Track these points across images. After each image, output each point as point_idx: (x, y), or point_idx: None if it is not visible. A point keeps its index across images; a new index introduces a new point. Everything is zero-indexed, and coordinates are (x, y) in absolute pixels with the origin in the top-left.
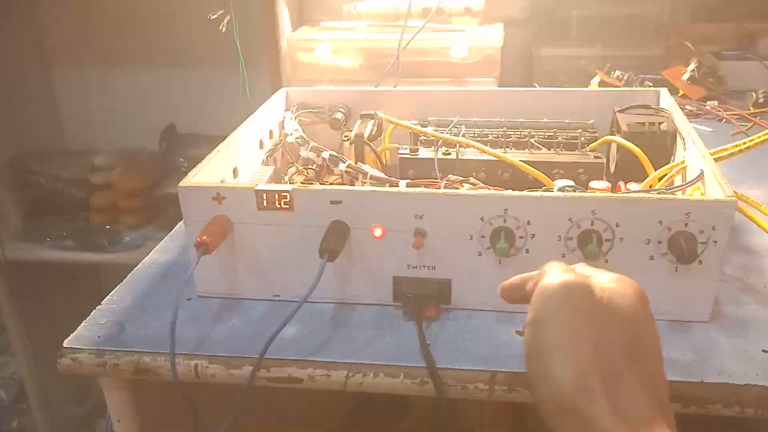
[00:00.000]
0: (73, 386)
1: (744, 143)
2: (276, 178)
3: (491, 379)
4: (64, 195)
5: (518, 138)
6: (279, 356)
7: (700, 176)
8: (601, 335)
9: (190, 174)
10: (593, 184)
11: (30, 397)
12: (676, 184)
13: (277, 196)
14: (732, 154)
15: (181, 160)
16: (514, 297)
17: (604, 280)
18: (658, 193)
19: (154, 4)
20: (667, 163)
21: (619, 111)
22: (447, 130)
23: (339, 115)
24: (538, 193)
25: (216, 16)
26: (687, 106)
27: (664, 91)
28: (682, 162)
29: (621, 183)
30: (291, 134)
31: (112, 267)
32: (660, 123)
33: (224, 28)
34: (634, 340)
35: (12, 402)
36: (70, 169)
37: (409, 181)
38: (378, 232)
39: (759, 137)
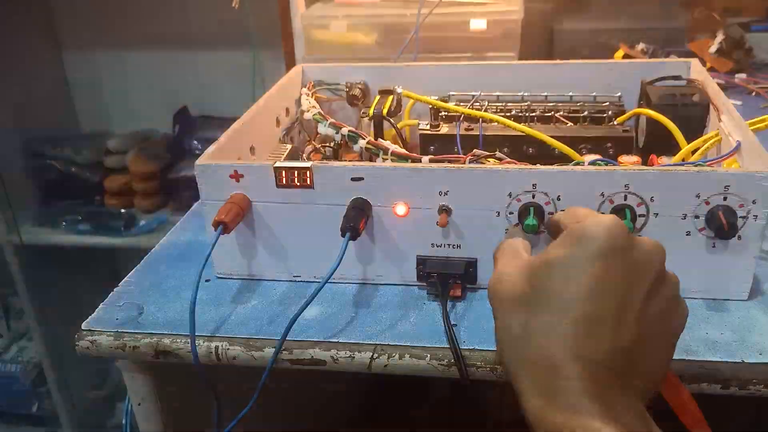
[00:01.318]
0: (92, 370)
1: None
2: (293, 155)
3: None
4: (79, 179)
5: (542, 112)
6: (301, 338)
7: (738, 148)
8: (633, 295)
9: (207, 151)
10: (623, 158)
11: (49, 381)
12: (709, 158)
13: (296, 173)
14: None
15: (195, 142)
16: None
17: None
18: (695, 166)
19: None
20: (700, 136)
21: (648, 83)
22: (469, 105)
23: (357, 92)
24: (569, 167)
25: None
26: (715, 80)
27: (695, 62)
28: (716, 134)
29: (653, 157)
30: (308, 111)
31: (127, 250)
32: (692, 94)
33: (237, 5)
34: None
35: (31, 386)
36: (84, 153)
37: (432, 157)
38: (401, 210)
39: None
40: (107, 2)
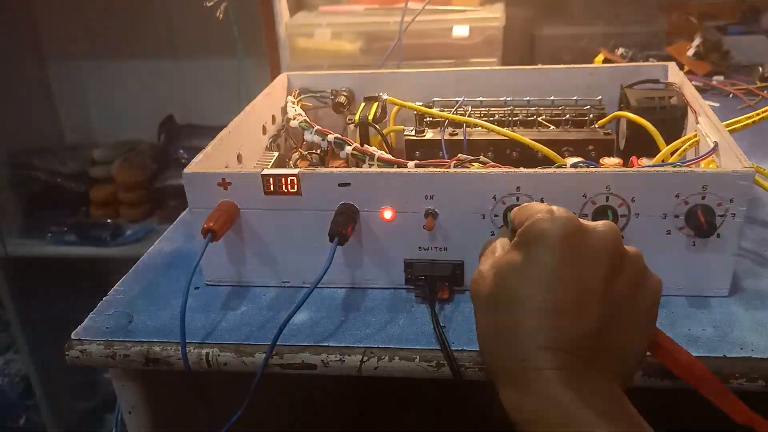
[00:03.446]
0: (81, 382)
1: (758, 113)
2: (280, 163)
3: None
4: (64, 189)
5: (525, 117)
6: (291, 342)
7: (715, 148)
8: (589, 281)
9: (195, 160)
10: (604, 160)
11: (37, 394)
12: (688, 158)
13: (283, 180)
14: (745, 125)
15: (181, 151)
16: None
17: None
18: (674, 167)
19: None
20: (679, 137)
21: (627, 86)
22: (453, 110)
23: (342, 99)
24: (551, 170)
25: (212, 3)
26: (693, 82)
27: (672, 65)
28: (694, 135)
29: (634, 158)
30: (294, 119)
31: (114, 261)
32: (670, 97)
33: (221, 15)
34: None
35: (19, 399)
36: (70, 164)
37: (418, 162)
38: (388, 214)
39: (765, 110)
40: (91, 12)
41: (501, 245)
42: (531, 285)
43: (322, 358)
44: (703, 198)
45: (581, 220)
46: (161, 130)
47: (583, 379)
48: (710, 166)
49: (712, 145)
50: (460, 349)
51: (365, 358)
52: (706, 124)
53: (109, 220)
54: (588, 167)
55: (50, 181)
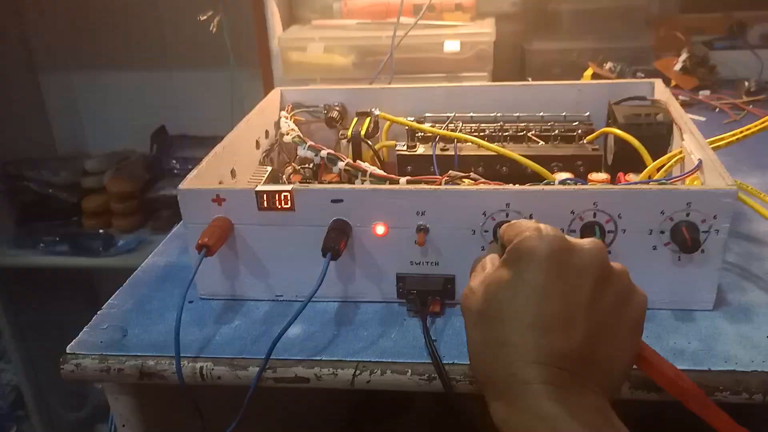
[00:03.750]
0: (72, 392)
1: (741, 131)
2: (273, 177)
3: None
4: (56, 200)
5: (515, 132)
6: (285, 356)
7: (699, 166)
8: (576, 298)
9: (189, 176)
10: (592, 176)
11: (28, 404)
12: (674, 174)
13: (277, 196)
14: (729, 142)
15: (173, 161)
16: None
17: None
18: (659, 184)
19: (142, 6)
20: (665, 154)
21: (614, 103)
22: (444, 125)
23: (334, 114)
24: (540, 187)
25: (206, 17)
26: (680, 97)
27: (658, 82)
28: (680, 152)
29: (621, 174)
30: (288, 134)
31: (106, 271)
32: (656, 114)
33: (214, 29)
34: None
35: (10, 409)
36: (62, 174)
37: (409, 177)
38: (380, 230)
39: (755, 125)
40: (83, 24)
41: (491, 261)
42: (520, 301)
43: (315, 372)
44: (687, 215)
45: (568, 237)
46: (153, 141)
47: (571, 393)
48: (695, 182)
49: (696, 162)
50: (451, 362)
51: (358, 372)
52: (690, 141)
53: (101, 231)
54: (576, 184)
55: (42, 191)
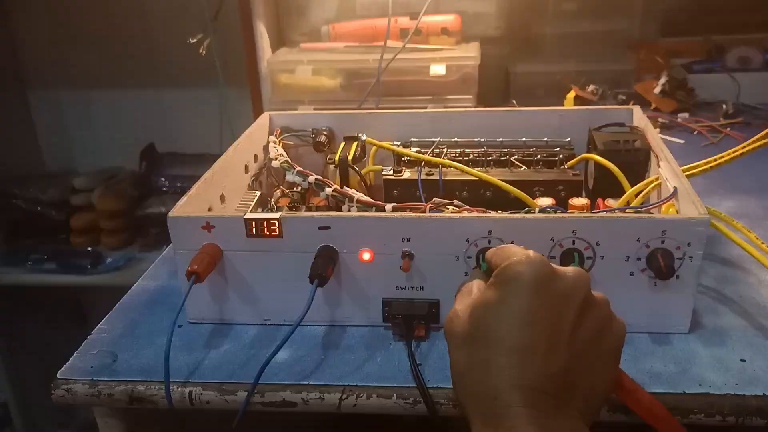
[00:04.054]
0: (59, 410)
1: (714, 159)
2: (262, 202)
3: None
4: (45, 218)
5: (498, 157)
6: (272, 381)
7: (674, 194)
8: (561, 323)
9: (179, 203)
10: (573, 201)
11: (15, 422)
12: (651, 200)
13: (265, 223)
14: (703, 170)
15: (162, 179)
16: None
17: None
18: (635, 212)
19: (131, 24)
20: (643, 179)
21: (594, 129)
22: (429, 150)
23: (322, 138)
24: (521, 215)
25: (195, 40)
26: (659, 119)
27: (636, 109)
28: (657, 178)
29: (600, 200)
30: (276, 159)
31: (94, 289)
32: (634, 140)
33: (203, 52)
34: (594, 333)
35: None
36: (50, 192)
37: (395, 204)
38: (366, 256)
39: (728, 153)
40: (71, 42)
41: (477, 286)
42: (504, 325)
43: (302, 396)
44: (662, 242)
45: (553, 265)
46: (142, 158)
47: (551, 416)
48: (670, 210)
49: (672, 190)
50: (435, 386)
51: (344, 396)
52: (666, 169)
53: (89, 248)
54: (555, 212)
55: (31, 209)
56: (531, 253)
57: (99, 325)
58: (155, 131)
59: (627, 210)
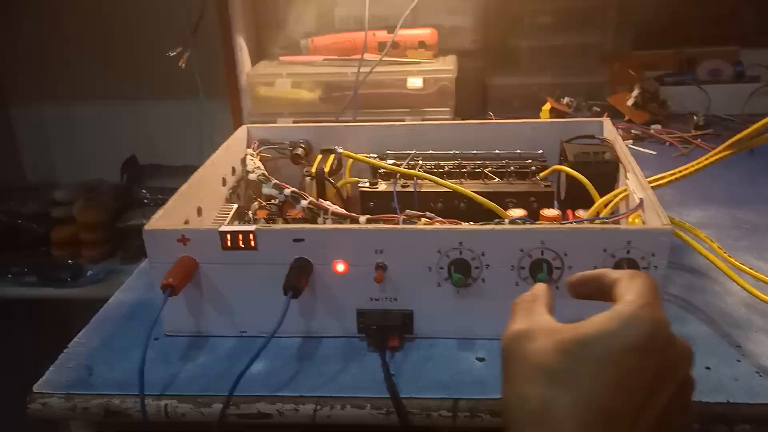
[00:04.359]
0: (39, 425)
1: (679, 170)
2: (239, 215)
3: (454, 407)
4: (25, 230)
5: (473, 169)
6: (248, 393)
7: (640, 205)
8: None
9: (155, 217)
10: (544, 212)
11: None
12: (621, 210)
13: (240, 236)
14: (668, 181)
15: (143, 191)
16: (587, 292)
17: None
18: (601, 223)
19: (112, 38)
20: (612, 190)
21: (565, 141)
22: (405, 163)
23: (300, 151)
24: (490, 226)
25: (175, 53)
26: (632, 130)
27: (607, 121)
28: (625, 189)
29: (570, 211)
30: (253, 172)
31: (75, 301)
32: (603, 152)
33: (183, 65)
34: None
35: None
36: (31, 205)
37: (369, 216)
38: (340, 268)
39: (692, 165)
40: (52, 54)
41: (548, 305)
42: (602, 378)
43: (277, 408)
44: (628, 252)
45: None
46: (124, 171)
47: None
48: (636, 220)
49: (637, 201)
50: (408, 396)
51: (318, 407)
52: (633, 181)
53: (70, 261)
54: (524, 223)
55: (11, 221)
56: (657, 312)
57: (75, 339)
58: (137, 144)
59: (596, 221)
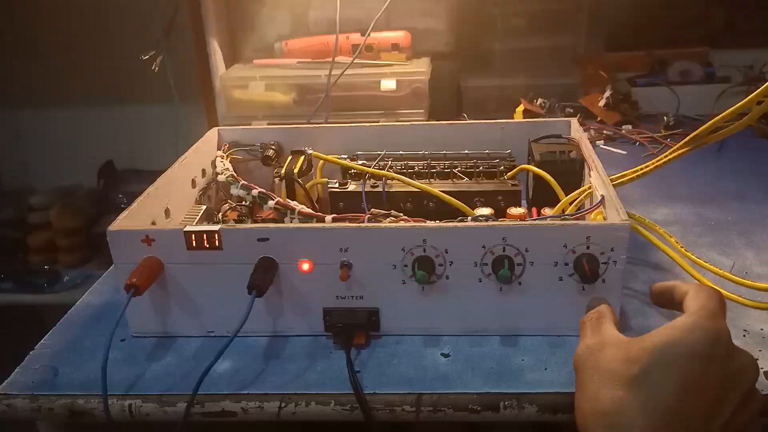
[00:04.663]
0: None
1: (640, 168)
2: (208, 216)
3: (417, 401)
4: (1, 236)
5: (442, 169)
6: (212, 391)
7: (602, 201)
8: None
9: (119, 218)
10: (511, 210)
11: None
12: (585, 207)
13: (205, 236)
14: (631, 179)
15: (120, 196)
16: (662, 301)
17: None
18: (561, 219)
19: (87, 42)
20: (579, 187)
21: (533, 141)
22: (374, 163)
23: (270, 152)
24: (453, 224)
25: (148, 56)
26: (604, 131)
27: (574, 121)
28: (589, 187)
29: (535, 209)
30: (222, 173)
31: (52, 307)
32: (570, 151)
33: (156, 68)
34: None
35: None
36: (6, 211)
37: (335, 215)
38: (306, 266)
39: (652, 163)
40: (26, 59)
41: (612, 320)
42: (671, 382)
43: (241, 406)
44: (588, 247)
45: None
46: (101, 176)
47: None
48: (598, 217)
49: (599, 198)
50: (372, 392)
51: (283, 404)
52: (596, 178)
53: (46, 267)
54: (487, 221)
55: None
56: (719, 321)
57: (42, 341)
58: (113, 148)
59: (553, 219)
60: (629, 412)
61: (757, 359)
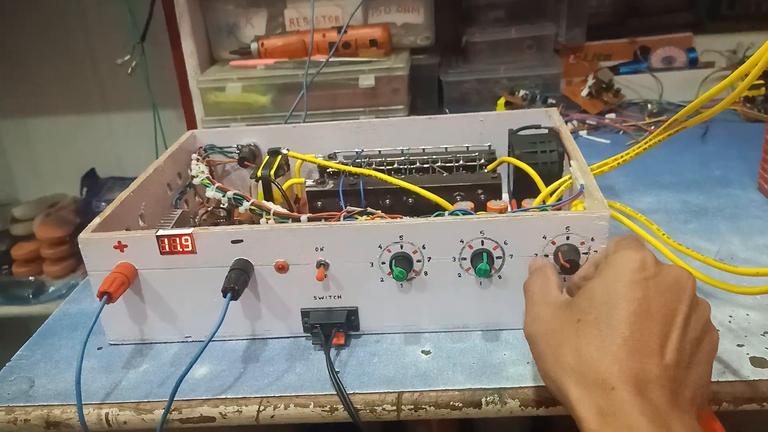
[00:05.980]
0: None
1: (621, 156)
2: (183, 220)
3: (397, 400)
4: None
5: (421, 164)
6: (191, 397)
7: (581, 191)
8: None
9: (92, 224)
10: (491, 203)
11: None
12: (565, 197)
13: (178, 240)
14: (611, 167)
15: (104, 204)
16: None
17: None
18: (540, 211)
19: (65, 50)
20: (559, 178)
21: (513, 132)
22: (352, 161)
23: (246, 154)
24: (430, 219)
25: (123, 61)
26: (587, 121)
27: (554, 111)
28: (569, 178)
29: (514, 201)
30: (197, 176)
31: (37, 319)
32: (549, 141)
33: (131, 72)
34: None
35: None
36: None
37: (310, 215)
38: (282, 267)
39: (633, 150)
40: (6, 69)
41: (557, 285)
42: (617, 314)
43: (220, 411)
44: (567, 238)
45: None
46: (83, 184)
47: (669, 413)
48: (579, 207)
49: (579, 188)
50: (352, 392)
51: (261, 408)
52: (576, 168)
53: (31, 278)
54: (464, 215)
55: None
56: (640, 248)
57: (18, 352)
58: (96, 156)
59: (531, 210)
60: (590, 356)
61: (743, 345)
